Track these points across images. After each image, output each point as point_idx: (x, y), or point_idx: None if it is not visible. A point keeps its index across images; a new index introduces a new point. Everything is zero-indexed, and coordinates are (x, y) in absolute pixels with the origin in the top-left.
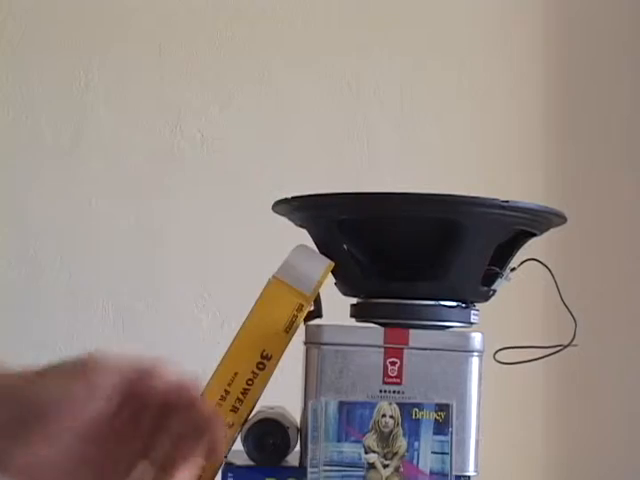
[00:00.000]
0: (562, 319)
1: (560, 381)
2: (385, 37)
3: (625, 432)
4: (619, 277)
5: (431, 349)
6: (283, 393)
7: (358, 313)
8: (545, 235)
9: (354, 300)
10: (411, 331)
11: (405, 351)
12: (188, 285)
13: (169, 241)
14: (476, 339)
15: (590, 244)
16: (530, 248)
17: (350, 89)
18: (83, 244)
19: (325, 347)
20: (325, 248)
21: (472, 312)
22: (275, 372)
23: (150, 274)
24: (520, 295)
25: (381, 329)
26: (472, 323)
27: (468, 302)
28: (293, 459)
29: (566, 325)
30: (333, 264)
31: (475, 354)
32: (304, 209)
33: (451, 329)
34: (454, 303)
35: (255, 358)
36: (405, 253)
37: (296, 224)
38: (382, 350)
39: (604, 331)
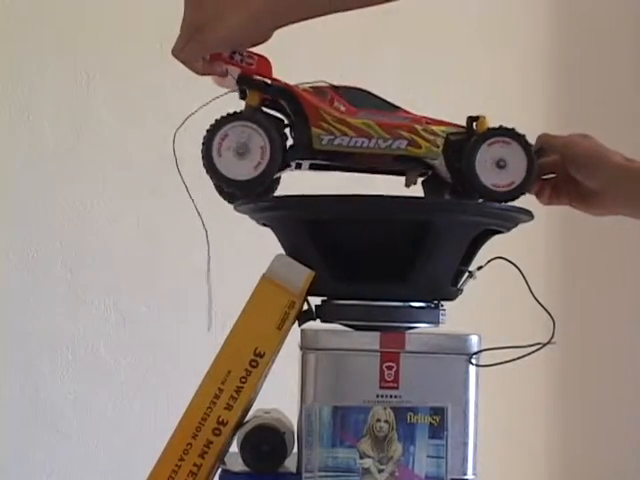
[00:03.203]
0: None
1: (560, 380)
2: (384, 30)
3: (626, 431)
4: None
5: (428, 352)
6: (282, 396)
7: (324, 314)
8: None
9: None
10: (407, 335)
11: (401, 355)
12: (189, 285)
13: (170, 241)
14: (473, 341)
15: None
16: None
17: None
18: (84, 244)
19: (321, 352)
20: (292, 249)
21: (440, 312)
22: (272, 375)
23: (151, 274)
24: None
25: (377, 334)
26: (440, 323)
27: (438, 303)
28: (291, 464)
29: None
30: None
31: (472, 356)
32: (271, 209)
33: (444, 332)
34: (424, 304)
35: (248, 356)
36: (377, 255)
37: (259, 223)
38: (378, 355)
39: (598, 329)
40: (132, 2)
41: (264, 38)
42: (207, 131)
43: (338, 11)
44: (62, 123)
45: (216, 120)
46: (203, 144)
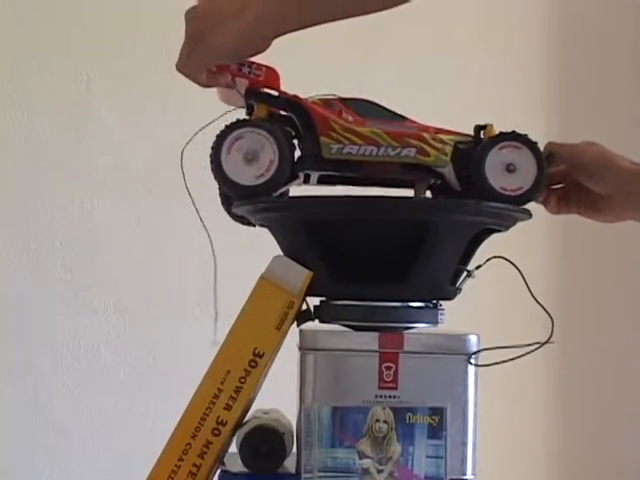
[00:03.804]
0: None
1: (559, 380)
2: (388, 36)
3: (626, 431)
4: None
5: (426, 353)
6: (281, 396)
7: (322, 315)
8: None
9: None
10: (406, 335)
11: (400, 355)
12: (189, 285)
13: (170, 240)
14: (472, 341)
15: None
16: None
17: (356, 89)
18: (84, 244)
19: (320, 353)
20: (291, 249)
21: (439, 312)
22: (272, 376)
23: (151, 274)
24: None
25: (376, 334)
26: (439, 323)
27: (436, 302)
28: (290, 464)
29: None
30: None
31: (471, 356)
32: (269, 210)
33: (443, 331)
34: (422, 304)
35: (247, 356)
36: (375, 256)
37: (257, 224)
38: (377, 355)
39: (598, 329)
40: (132, 2)
41: (263, 47)
42: (225, 126)
43: (335, 20)
44: (62, 123)
45: (237, 119)
46: (216, 138)
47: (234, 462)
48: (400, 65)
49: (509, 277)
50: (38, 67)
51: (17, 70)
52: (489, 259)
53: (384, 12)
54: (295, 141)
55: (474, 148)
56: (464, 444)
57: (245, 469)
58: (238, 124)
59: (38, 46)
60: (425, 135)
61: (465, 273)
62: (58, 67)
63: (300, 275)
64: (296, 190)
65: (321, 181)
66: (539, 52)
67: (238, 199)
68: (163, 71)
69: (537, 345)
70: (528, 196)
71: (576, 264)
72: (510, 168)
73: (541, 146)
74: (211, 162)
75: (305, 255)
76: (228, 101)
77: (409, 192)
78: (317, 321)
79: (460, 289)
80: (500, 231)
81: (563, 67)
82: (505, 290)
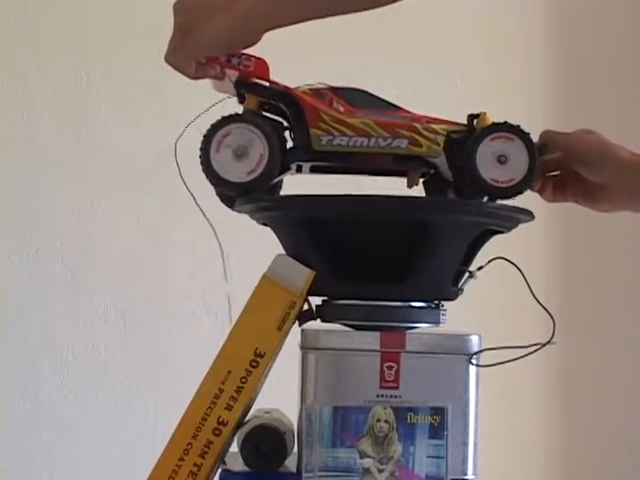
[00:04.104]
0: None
1: (560, 380)
2: (386, 34)
3: (626, 431)
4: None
5: (428, 352)
6: (282, 396)
7: (324, 314)
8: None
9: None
10: (407, 335)
11: (402, 355)
12: (190, 285)
13: (170, 240)
14: (473, 341)
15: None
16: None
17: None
18: (84, 244)
19: (321, 352)
20: (293, 249)
21: (441, 312)
22: (273, 375)
23: (152, 274)
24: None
25: (377, 334)
26: (440, 323)
27: (438, 303)
28: (291, 463)
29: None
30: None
31: (472, 356)
32: (272, 209)
33: (445, 332)
34: (424, 304)
35: (248, 356)
36: (377, 255)
37: (259, 223)
38: (379, 354)
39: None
40: (132, 2)
41: (252, 41)
42: (211, 125)
43: (326, 16)
44: (62, 123)
45: (223, 117)
46: (204, 137)
47: (235, 461)
48: (398, 64)
49: (511, 278)
50: (38, 67)
51: (17, 70)
52: (491, 260)
53: (384, 9)
54: (287, 132)
55: (467, 138)
56: (465, 444)
57: (246, 468)
58: (225, 120)
59: (38, 46)
60: (417, 125)
61: (467, 274)
62: (58, 67)
63: (302, 275)
64: (297, 189)
65: (314, 170)
66: (538, 51)
67: (235, 197)
68: (163, 70)
69: (539, 346)
70: (519, 188)
71: (576, 265)
72: (501, 159)
73: (535, 138)
74: (201, 163)
75: (307, 254)
76: (222, 90)
77: (405, 183)
78: (319, 320)
79: (462, 290)
80: (502, 232)
81: (562, 67)
82: (507, 291)
